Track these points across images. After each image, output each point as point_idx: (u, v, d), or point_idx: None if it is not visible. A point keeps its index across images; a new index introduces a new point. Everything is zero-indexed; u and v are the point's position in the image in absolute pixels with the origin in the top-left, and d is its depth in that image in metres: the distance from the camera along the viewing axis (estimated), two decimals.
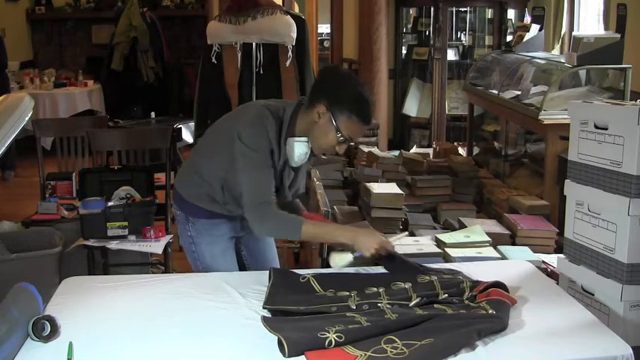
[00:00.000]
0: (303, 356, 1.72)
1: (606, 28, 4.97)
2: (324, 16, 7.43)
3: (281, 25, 3.78)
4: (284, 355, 1.72)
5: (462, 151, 5.56)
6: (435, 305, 2.00)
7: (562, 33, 5.70)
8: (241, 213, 2.44)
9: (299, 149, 2.31)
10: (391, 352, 1.71)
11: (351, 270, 2.35)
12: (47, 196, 3.93)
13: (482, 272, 2.29)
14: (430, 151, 5.66)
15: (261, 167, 2.26)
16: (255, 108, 2.34)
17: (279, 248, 4.15)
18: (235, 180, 2.33)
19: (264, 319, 1.90)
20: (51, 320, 1.84)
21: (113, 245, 3.27)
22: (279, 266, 2.61)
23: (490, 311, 1.94)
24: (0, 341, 1.69)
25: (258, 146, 2.25)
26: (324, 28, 8.10)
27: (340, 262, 2.46)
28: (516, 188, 4.12)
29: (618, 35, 4.11)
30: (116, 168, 3.89)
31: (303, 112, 2.32)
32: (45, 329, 1.82)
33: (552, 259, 2.94)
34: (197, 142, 2.80)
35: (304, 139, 2.31)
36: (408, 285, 2.09)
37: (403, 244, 3.29)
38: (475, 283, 2.13)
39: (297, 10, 6.39)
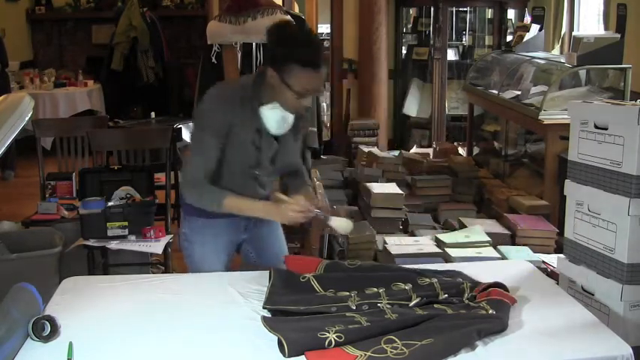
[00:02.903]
0: (303, 356, 1.72)
1: (606, 28, 4.97)
2: (324, 16, 7.43)
3: None
4: (284, 355, 1.72)
5: (462, 151, 5.56)
6: (435, 305, 2.00)
7: (562, 33, 5.70)
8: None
9: (273, 116, 2.28)
10: (391, 352, 1.71)
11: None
12: (47, 196, 3.93)
13: (482, 272, 2.29)
14: (430, 151, 5.66)
15: (202, 148, 2.26)
16: (213, 88, 2.34)
17: None
18: (216, 171, 2.36)
19: (264, 319, 1.90)
20: (51, 320, 1.84)
21: (113, 245, 3.27)
22: None
23: (490, 311, 1.94)
24: (0, 341, 1.69)
25: (204, 125, 2.27)
26: (324, 28, 8.10)
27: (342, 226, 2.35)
28: (516, 188, 4.12)
29: (618, 35, 4.11)
30: (116, 168, 3.89)
31: (263, 80, 2.28)
32: (45, 329, 1.82)
33: (552, 259, 2.94)
34: None
35: (275, 105, 2.26)
36: (408, 286, 2.09)
37: (403, 244, 3.30)
38: (475, 284, 2.13)
39: (297, 10, 6.39)
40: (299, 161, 2.57)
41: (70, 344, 1.77)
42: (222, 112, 2.25)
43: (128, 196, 3.49)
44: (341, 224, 2.33)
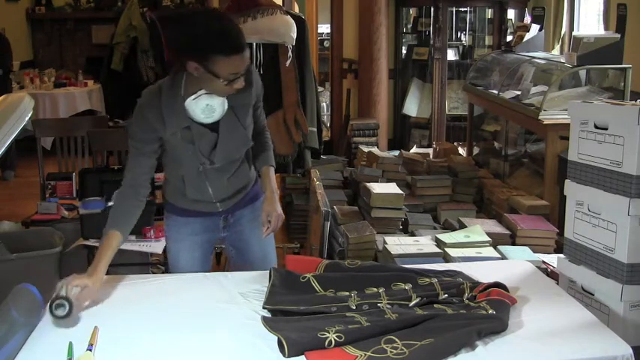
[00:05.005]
0: (303, 356, 1.72)
1: (606, 28, 4.97)
2: (324, 16, 7.43)
3: (281, 25, 3.77)
4: (284, 355, 1.72)
5: (462, 151, 5.56)
6: (435, 305, 2.00)
7: (562, 33, 5.71)
8: (208, 199, 2.42)
9: (200, 104, 2.20)
10: (391, 352, 1.71)
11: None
12: (47, 196, 3.93)
13: (482, 272, 2.29)
14: (430, 151, 5.67)
15: (130, 155, 2.31)
16: (139, 99, 2.32)
17: (279, 248, 4.15)
18: (166, 168, 2.43)
19: (264, 319, 1.90)
20: (69, 301, 1.91)
21: None
22: (274, 263, 2.55)
23: (490, 311, 1.94)
24: (0, 342, 1.69)
25: (131, 134, 2.29)
26: (324, 28, 8.10)
27: None
28: (516, 188, 4.12)
29: (618, 35, 4.11)
30: (116, 168, 3.89)
31: (183, 74, 2.23)
32: (64, 308, 1.89)
33: (552, 259, 2.94)
34: None
35: (201, 92, 2.19)
36: (408, 286, 2.09)
37: (403, 244, 3.30)
38: (475, 284, 2.13)
39: (297, 10, 6.39)
40: (248, 142, 2.42)
41: (70, 344, 1.77)
42: (140, 120, 2.25)
43: None
44: None
